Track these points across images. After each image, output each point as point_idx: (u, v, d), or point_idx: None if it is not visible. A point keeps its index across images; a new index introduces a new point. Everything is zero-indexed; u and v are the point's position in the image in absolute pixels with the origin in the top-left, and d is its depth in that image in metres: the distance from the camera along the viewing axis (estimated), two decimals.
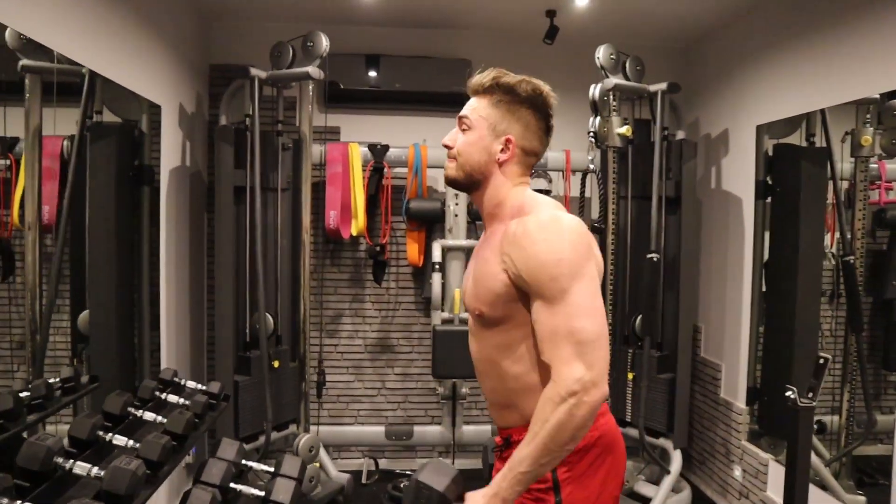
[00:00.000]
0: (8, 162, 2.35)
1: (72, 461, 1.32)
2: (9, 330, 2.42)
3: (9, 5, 2.04)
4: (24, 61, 2.24)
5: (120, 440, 1.57)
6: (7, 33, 2.08)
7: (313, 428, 3.94)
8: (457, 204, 3.95)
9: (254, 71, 3.53)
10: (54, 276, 2.50)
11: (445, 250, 3.99)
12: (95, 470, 1.31)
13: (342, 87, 4.24)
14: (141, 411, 1.88)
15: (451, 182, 1.64)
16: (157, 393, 2.17)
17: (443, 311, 3.99)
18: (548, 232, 1.45)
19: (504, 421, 1.64)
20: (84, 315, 2.76)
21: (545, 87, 1.59)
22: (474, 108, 1.59)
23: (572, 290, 1.41)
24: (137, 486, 1.29)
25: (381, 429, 4.34)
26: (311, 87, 3.68)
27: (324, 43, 3.58)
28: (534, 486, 1.50)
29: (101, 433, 1.57)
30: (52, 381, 2.24)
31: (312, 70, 3.54)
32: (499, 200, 1.59)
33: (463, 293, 1.70)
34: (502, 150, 1.57)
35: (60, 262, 2.57)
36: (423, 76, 4.15)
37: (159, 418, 1.88)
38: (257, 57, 3.76)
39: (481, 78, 1.59)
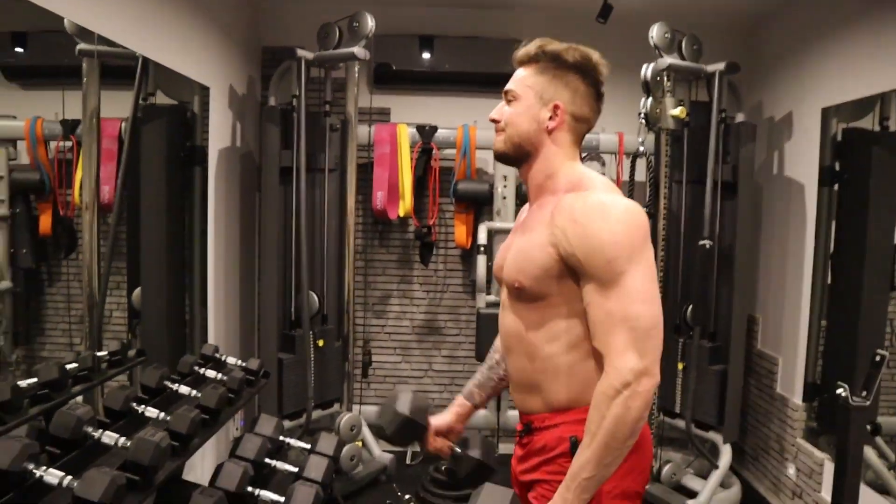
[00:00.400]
0: (70, 144, 2.51)
1: (101, 431, 1.40)
2: (70, 305, 2.58)
3: None
4: (81, 45, 2.36)
5: (152, 412, 1.66)
6: (65, 21, 2.19)
7: (356, 407, 4.03)
8: (505, 186, 3.96)
9: (300, 52, 3.60)
10: (108, 254, 2.64)
11: (492, 233, 4.00)
12: (123, 440, 1.38)
13: (395, 68, 4.29)
14: (177, 385, 1.97)
15: (499, 156, 1.63)
16: (197, 368, 2.26)
17: (488, 293, 4.01)
18: (607, 211, 1.42)
19: (526, 405, 1.62)
20: (137, 291, 2.90)
21: (594, 54, 1.57)
22: (520, 78, 1.57)
23: (629, 274, 1.38)
24: (162, 457, 1.35)
25: None
26: (356, 68, 3.73)
27: (369, 23, 3.63)
28: (554, 477, 1.50)
29: (134, 405, 1.66)
30: (100, 354, 2.37)
31: (358, 50, 3.59)
32: (551, 171, 1.56)
33: (497, 266, 1.68)
34: (551, 118, 1.54)
35: (114, 241, 2.71)
36: (474, 57, 4.16)
37: (195, 392, 1.96)
38: (308, 39, 3.83)
39: (527, 48, 1.58)
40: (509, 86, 1.59)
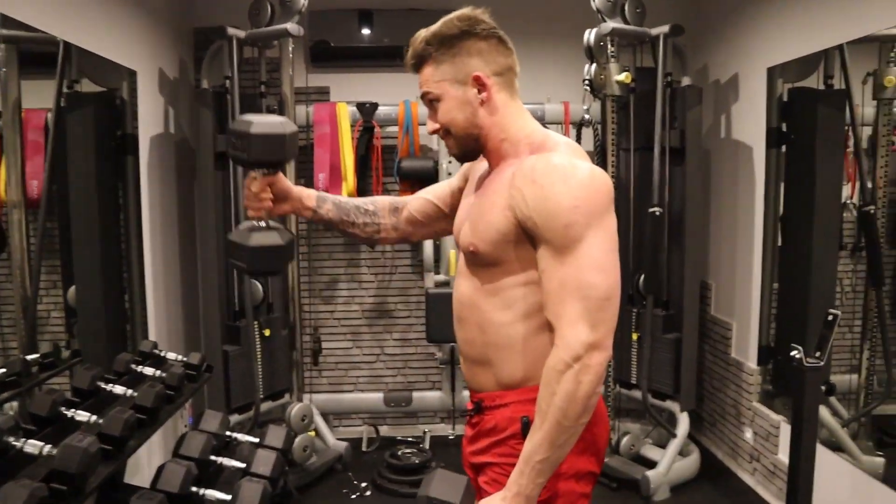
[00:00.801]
0: None
1: (24, 440, 1.34)
2: (1, 307, 2.48)
3: None
4: None
5: (83, 416, 1.60)
6: None
7: (306, 396, 3.99)
8: (450, 162, 3.93)
9: (231, 30, 3.52)
10: (38, 253, 2.55)
11: None
12: (48, 448, 1.32)
13: (332, 45, 4.21)
14: (112, 385, 1.91)
15: (461, 158, 1.60)
16: (134, 366, 2.19)
17: (437, 273, 3.99)
18: (569, 174, 1.38)
19: (476, 382, 1.59)
20: (72, 290, 2.81)
21: (468, 9, 1.53)
22: (427, 79, 1.53)
23: (586, 241, 1.35)
24: (91, 464, 1.30)
25: (380, 395, 4.39)
26: (291, 46, 3.65)
27: None
28: (506, 460, 1.48)
29: (63, 409, 1.59)
30: (31, 357, 2.28)
31: (291, 27, 3.51)
32: (504, 136, 1.52)
33: (455, 230, 1.65)
34: (479, 90, 1.50)
35: (43, 238, 2.62)
36: (415, 30, 4.07)
37: (131, 392, 1.90)
38: (241, 18, 3.72)
39: (412, 51, 1.55)
40: (423, 90, 1.54)
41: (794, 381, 2.42)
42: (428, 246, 3.95)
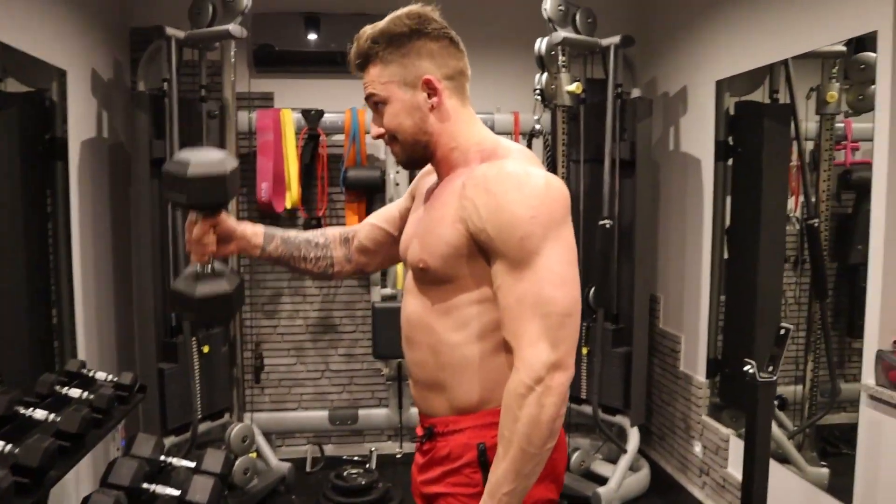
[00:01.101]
0: None
1: None
2: None
3: None
4: None
5: None
6: None
7: (247, 416, 3.86)
8: (398, 172, 3.87)
9: (170, 31, 3.39)
10: None
11: None
12: None
13: (276, 49, 4.11)
14: (32, 410, 1.78)
15: (407, 165, 1.51)
16: (59, 388, 2.06)
17: (383, 286, 3.92)
18: (524, 182, 1.31)
19: (428, 406, 1.50)
20: None
21: (416, 7, 1.43)
22: (373, 80, 1.42)
23: (544, 254, 1.27)
24: (3, 499, 1.19)
25: (325, 413, 4.28)
26: (233, 48, 3.54)
27: None
28: (461, 490, 1.40)
29: None
30: None
31: (233, 28, 3.40)
32: (454, 144, 1.44)
33: (402, 247, 1.55)
34: (430, 95, 1.41)
35: None
36: None
37: (54, 417, 1.77)
38: (182, 19, 3.59)
39: (357, 49, 1.44)
40: (368, 91, 1.44)
41: (747, 395, 2.42)
42: None
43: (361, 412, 4.27)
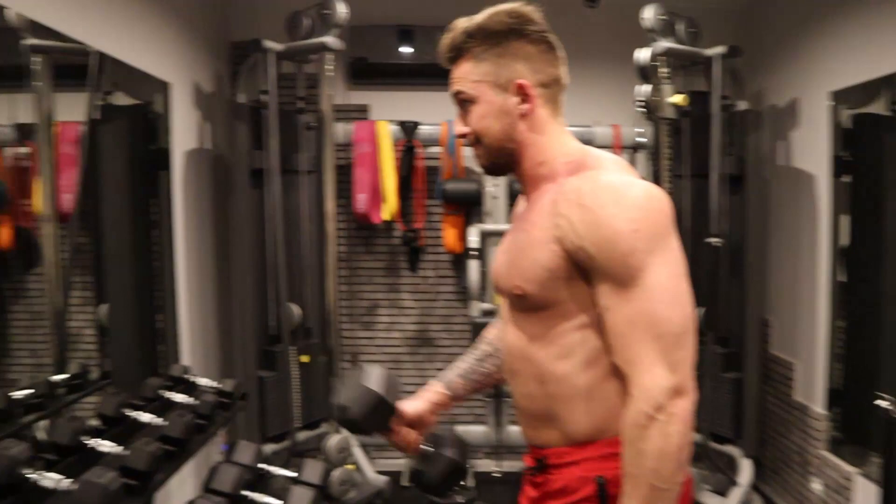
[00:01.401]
0: (29, 150, 2.36)
1: (41, 473, 1.24)
2: (35, 323, 2.44)
3: None
4: (29, 41, 2.19)
5: (106, 447, 1.50)
6: (6, 13, 2.03)
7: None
8: (496, 185, 3.83)
9: (267, 44, 3.47)
10: (69, 269, 2.49)
11: (484, 235, 3.86)
12: (66, 482, 1.23)
13: (370, 61, 4.16)
14: (138, 413, 1.82)
15: (489, 171, 1.44)
16: (164, 392, 2.11)
17: (483, 301, 3.87)
18: (622, 194, 1.22)
19: (539, 437, 1.40)
20: (103, 308, 2.75)
21: (519, 6, 1.35)
22: (463, 76, 1.36)
23: (652, 269, 1.19)
24: (112, 502, 1.20)
25: None
26: (330, 61, 3.58)
27: (341, 9, 3.46)
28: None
29: (86, 439, 1.51)
30: (58, 378, 2.21)
31: (330, 40, 3.43)
32: (543, 157, 1.35)
33: (495, 273, 1.46)
34: (522, 101, 1.33)
35: (74, 253, 2.57)
36: None
37: (159, 420, 1.81)
38: (279, 33, 3.67)
39: (449, 40, 1.37)
40: (457, 88, 1.37)
41: (881, 433, 2.22)
42: (473, 272, 3.83)
43: (459, 428, 4.21)
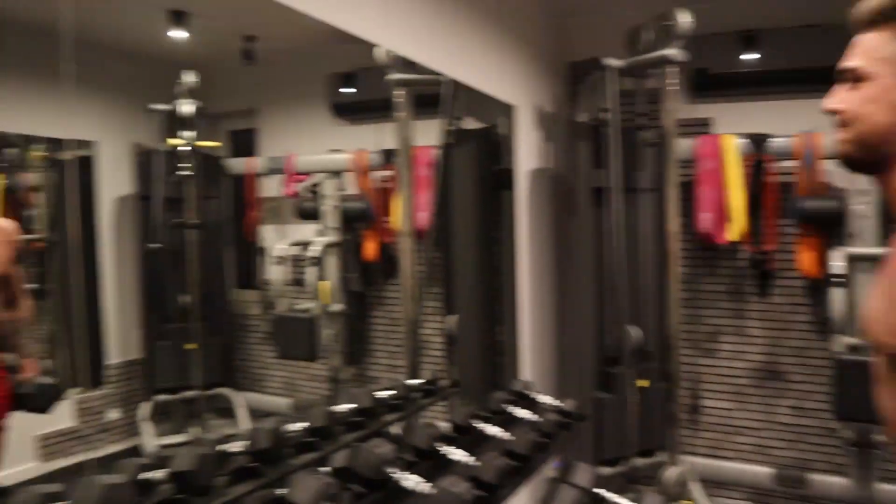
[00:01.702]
0: (391, 173, 2.72)
1: (404, 473, 1.32)
2: (391, 329, 2.73)
3: (373, 25, 2.21)
4: (394, 76, 2.45)
5: (456, 454, 1.56)
6: (376, 51, 2.26)
7: (686, 459, 3.65)
8: (866, 203, 3.34)
9: (606, 60, 3.44)
10: (423, 282, 2.75)
11: (851, 259, 3.39)
12: (424, 486, 1.29)
13: (711, 72, 3.92)
14: (485, 425, 1.87)
15: (845, 160, 1.23)
16: (507, 406, 2.16)
17: (848, 335, 3.38)
18: None
19: None
20: (450, 318, 2.94)
21: None
22: (868, 49, 1.15)
23: None
24: None
25: (765, 469, 3.86)
26: (673, 74, 3.42)
27: (685, 20, 3.29)
28: None
29: (438, 445, 1.57)
30: (412, 382, 2.38)
31: (673, 52, 3.28)
32: None
33: (869, 319, 1.21)
34: None
35: (430, 268, 2.81)
36: (810, 49, 3.58)
37: (504, 434, 1.84)
38: (615, 51, 3.62)
39: (876, 3, 1.15)
40: (852, 61, 1.17)
41: None
42: (838, 301, 3.36)
43: (813, 476, 3.75)
